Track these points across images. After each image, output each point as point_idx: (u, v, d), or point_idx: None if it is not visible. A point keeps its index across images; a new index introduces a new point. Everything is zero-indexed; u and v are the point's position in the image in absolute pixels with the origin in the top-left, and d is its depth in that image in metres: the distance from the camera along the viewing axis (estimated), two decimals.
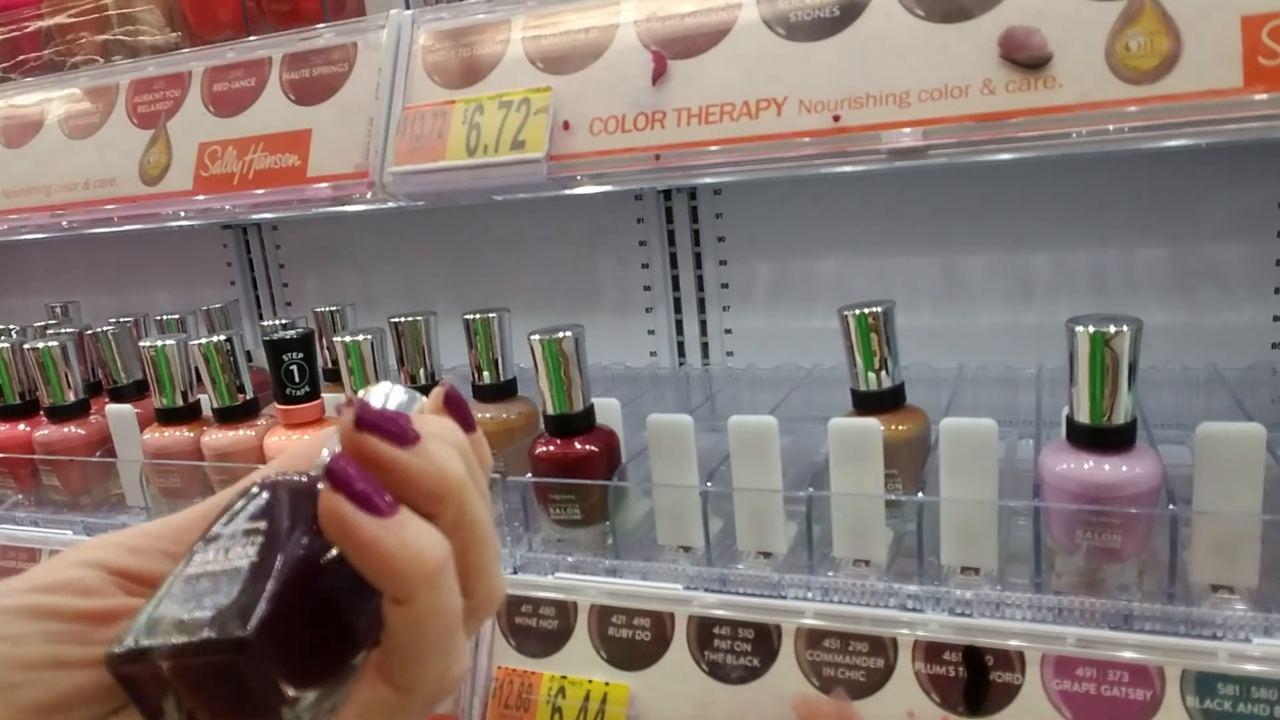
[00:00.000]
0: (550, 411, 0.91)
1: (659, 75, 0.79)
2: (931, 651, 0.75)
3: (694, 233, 1.27)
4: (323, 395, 1.04)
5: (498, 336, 1.00)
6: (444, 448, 0.34)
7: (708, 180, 0.80)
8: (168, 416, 1.09)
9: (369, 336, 1.00)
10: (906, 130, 0.68)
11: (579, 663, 0.86)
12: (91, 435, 1.17)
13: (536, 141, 0.81)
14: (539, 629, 0.89)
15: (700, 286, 1.29)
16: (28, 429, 1.20)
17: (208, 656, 0.29)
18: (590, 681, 0.85)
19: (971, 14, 0.69)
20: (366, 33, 0.96)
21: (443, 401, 0.38)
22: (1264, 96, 0.60)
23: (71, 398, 1.18)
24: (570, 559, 0.91)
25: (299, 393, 1.01)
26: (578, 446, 0.90)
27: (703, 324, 1.30)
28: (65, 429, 1.17)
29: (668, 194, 1.27)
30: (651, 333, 1.33)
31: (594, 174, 0.80)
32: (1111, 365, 0.70)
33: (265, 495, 0.34)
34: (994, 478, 0.76)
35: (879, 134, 0.69)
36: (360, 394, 0.37)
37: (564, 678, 0.86)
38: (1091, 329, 0.70)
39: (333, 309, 1.25)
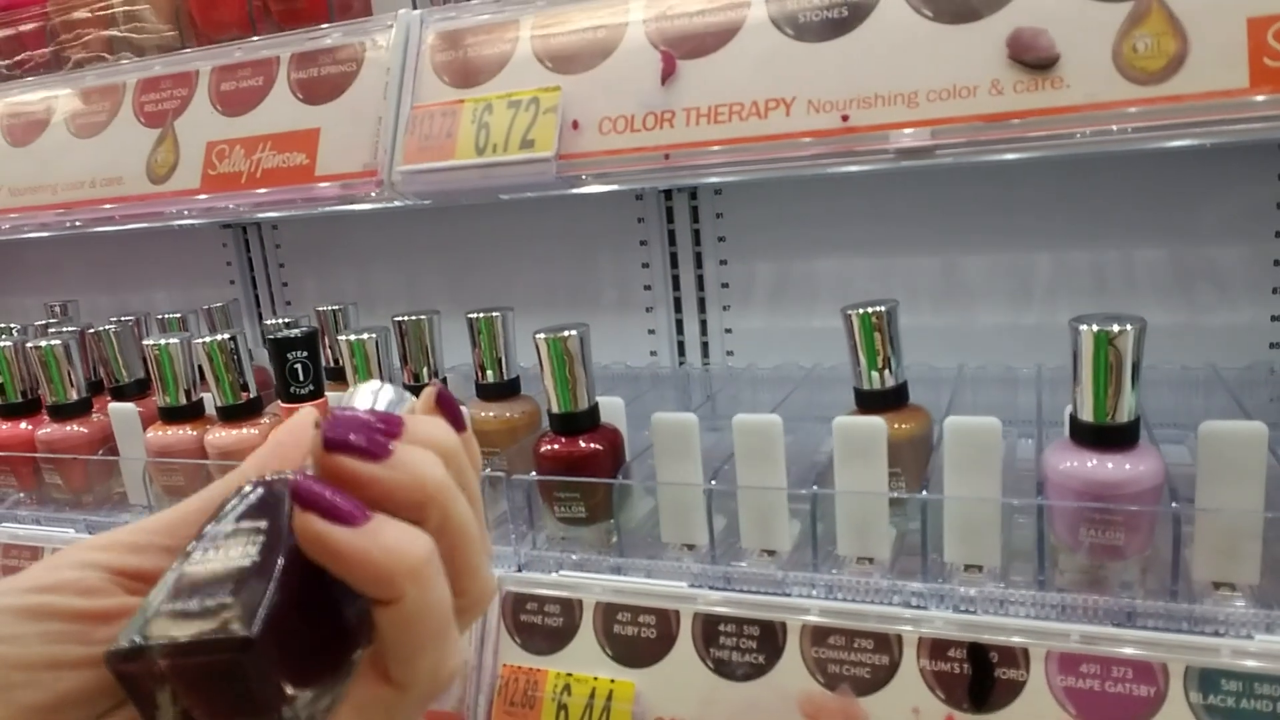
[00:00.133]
0: (555, 410, 0.91)
1: (668, 75, 0.79)
2: (936, 648, 0.75)
3: (694, 232, 1.28)
4: (326, 394, 1.04)
5: (501, 335, 1.00)
6: (420, 453, 0.34)
7: (714, 180, 0.80)
8: (171, 415, 1.09)
9: (374, 335, 1.00)
10: (915, 130, 0.69)
11: (584, 660, 0.87)
12: (94, 434, 1.17)
13: (546, 141, 0.81)
14: (544, 626, 0.89)
15: (700, 286, 1.30)
16: (30, 427, 1.20)
17: (210, 655, 0.29)
18: (595, 679, 0.85)
19: (980, 15, 0.70)
20: (375, 32, 0.96)
21: (434, 402, 0.38)
22: (1269, 97, 0.61)
23: (74, 396, 1.18)
24: (574, 557, 0.91)
25: (303, 391, 1.01)
26: (583, 445, 0.91)
27: (703, 323, 1.31)
28: (68, 427, 1.17)
29: (668, 194, 1.27)
30: (652, 332, 1.33)
31: (603, 173, 0.81)
32: (1115, 364, 0.70)
33: (261, 492, 0.34)
34: (998, 476, 0.77)
35: (887, 134, 0.70)
36: (349, 393, 0.38)
37: (569, 675, 0.86)
38: (1095, 328, 0.70)
39: (335, 308, 1.25)
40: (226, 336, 1.04)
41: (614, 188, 0.85)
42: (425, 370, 1.05)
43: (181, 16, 1.09)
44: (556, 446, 0.91)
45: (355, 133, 0.93)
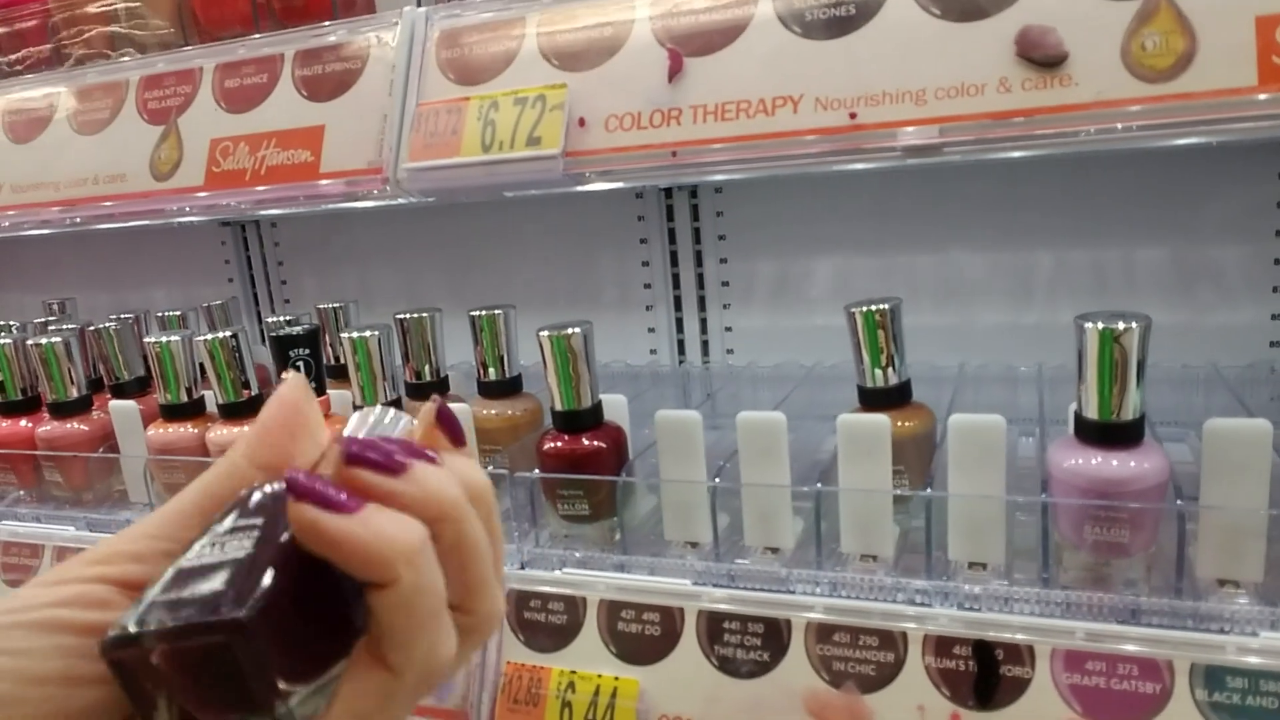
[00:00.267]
0: (558, 407, 0.91)
1: (675, 72, 0.79)
2: (941, 646, 0.75)
3: (695, 230, 1.28)
4: (328, 392, 1.04)
5: (503, 333, 1.00)
6: (436, 471, 0.35)
7: (720, 177, 0.80)
8: (172, 412, 1.09)
9: (376, 333, 1.00)
10: (923, 128, 0.69)
11: (588, 658, 0.87)
12: (94, 431, 1.17)
13: (552, 138, 0.81)
14: (548, 624, 0.89)
15: (701, 284, 1.30)
16: (30, 425, 1.20)
17: (202, 638, 0.30)
18: (600, 676, 0.85)
19: (987, 13, 0.70)
20: (380, 29, 0.96)
21: (434, 418, 0.39)
22: (1277, 96, 0.61)
23: (74, 394, 1.17)
24: (578, 554, 0.91)
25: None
26: (586, 442, 0.91)
27: (703, 322, 1.31)
28: (68, 425, 1.17)
29: (669, 192, 1.27)
30: (652, 330, 1.33)
31: (610, 171, 0.81)
32: (1120, 361, 0.70)
33: (258, 495, 0.34)
34: (1001, 474, 0.77)
35: (895, 131, 0.70)
36: (351, 421, 0.39)
37: (573, 672, 0.86)
38: (1101, 325, 0.70)
39: (335, 306, 1.25)
40: (228, 334, 1.03)
41: (619, 185, 0.85)
42: (427, 368, 1.05)
43: (184, 14, 1.09)
44: (560, 444, 0.91)
45: (360, 130, 0.93)
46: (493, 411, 1.01)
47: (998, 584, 0.77)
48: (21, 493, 1.23)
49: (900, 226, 1.17)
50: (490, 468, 0.93)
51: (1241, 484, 0.70)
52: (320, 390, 1.02)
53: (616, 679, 0.85)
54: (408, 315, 1.03)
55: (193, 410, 1.09)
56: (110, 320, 1.23)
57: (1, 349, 1.19)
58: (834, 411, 0.84)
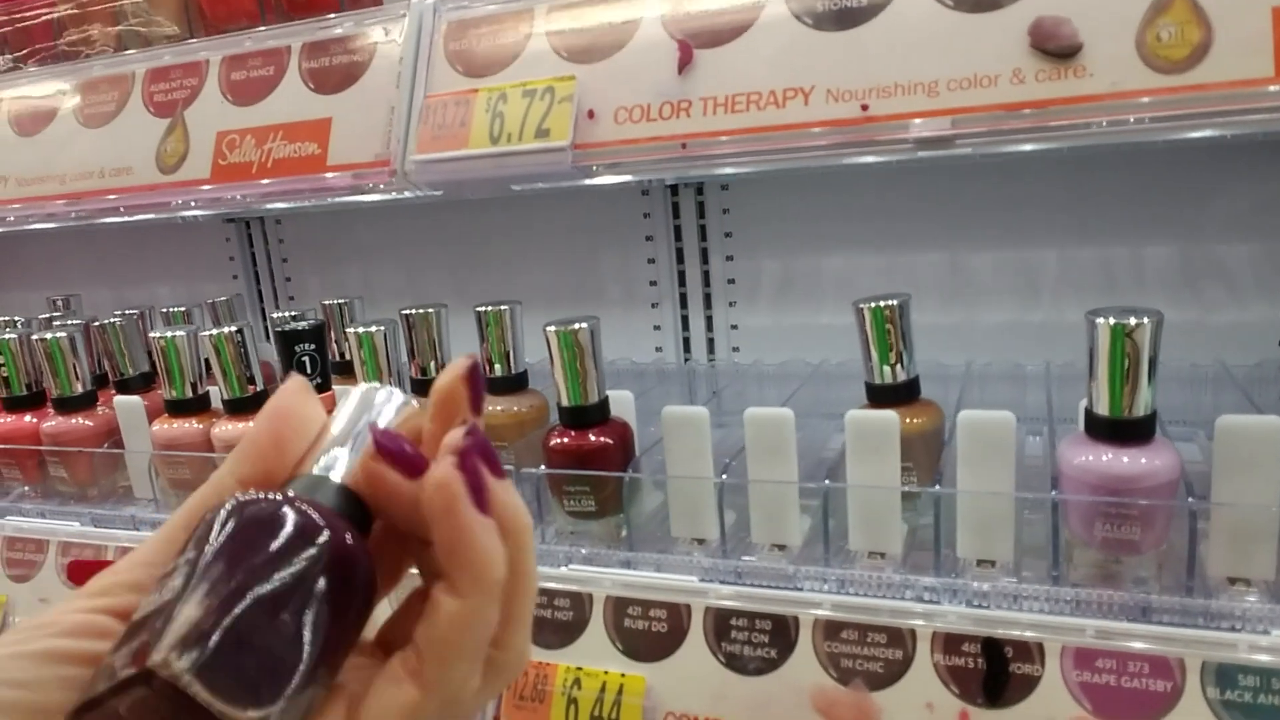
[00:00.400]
0: (565, 403, 0.91)
1: (685, 64, 0.79)
2: (950, 643, 0.75)
3: (700, 228, 1.27)
4: (334, 387, 1.04)
5: (510, 329, 1.00)
6: (513, 490, 0.36)
7: (730, 170, 0.80)
8: (177, 408, 1.09)
9: (382, 328, 1.00)
10: (935, 119, 0.68)
11: (594, 654, 0.86)
12: (99, 427, 1.17)
13: (561, 130, 0.81)
14: (554, 620, 0.89)
15: (706, 282, 1.29)
16: (35, 420, 1.19)
17: (138, 692, 0.29)
18: (606, 673, 0.85)
19: (1000, 3, 0.69)
20: (387, 21, 0.95)
21: (463, 373, 0.37)
22: None
23: (79, 389, 1.17)
24: (584, 551, 0.91)
25: (310, 384, 1.00)
26: (592, 438, 0.90)
27: (708, 319, 1.30)
28: (73, 420, 1.17)
29: (675, 189, 1.27)
30: (657, 328, 1.33)
31: (619, 163, 0.80)
32: (1132, 357, 0.70)
33: (224, 520, 0.33)
34: (1011, 470, 0.77)
35: (907, 123, 0.69)
36: (350, 398, 0.39)
37: (579, 669, 0.86)
38: (1112, 321, 0.70)
39: (341, 301, 1.25)
40: (234, 329, 1.03)
41: (627, 178, 0.85)
42: (433, 364, 1.05)
43: (190, 10, 1.08)
44: (566, 440, 0.91)
45: (367, 122, 0.92)
46: (498, 408, 1.01)
47: (1007, 581, 0.76)
48: (26, 488, 1.22)
49: (906, 224, 1.16)
50: None
51: (1253, 481, 0.70)
52: (325, 386, 1.02)
53: (623, 676, 0.84)
54: (413, 311, 1.03)
55: (197, 406, 1.09)
56: (115, 316, 1.23)
57: (6, 344, 1.19)
58: (840, 409, 0.84)
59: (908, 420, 0.85)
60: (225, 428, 1.05)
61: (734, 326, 1.29)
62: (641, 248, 1.30)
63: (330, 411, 0.39)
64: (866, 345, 0.87)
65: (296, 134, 0.96)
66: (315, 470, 0.36)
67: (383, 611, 0.38)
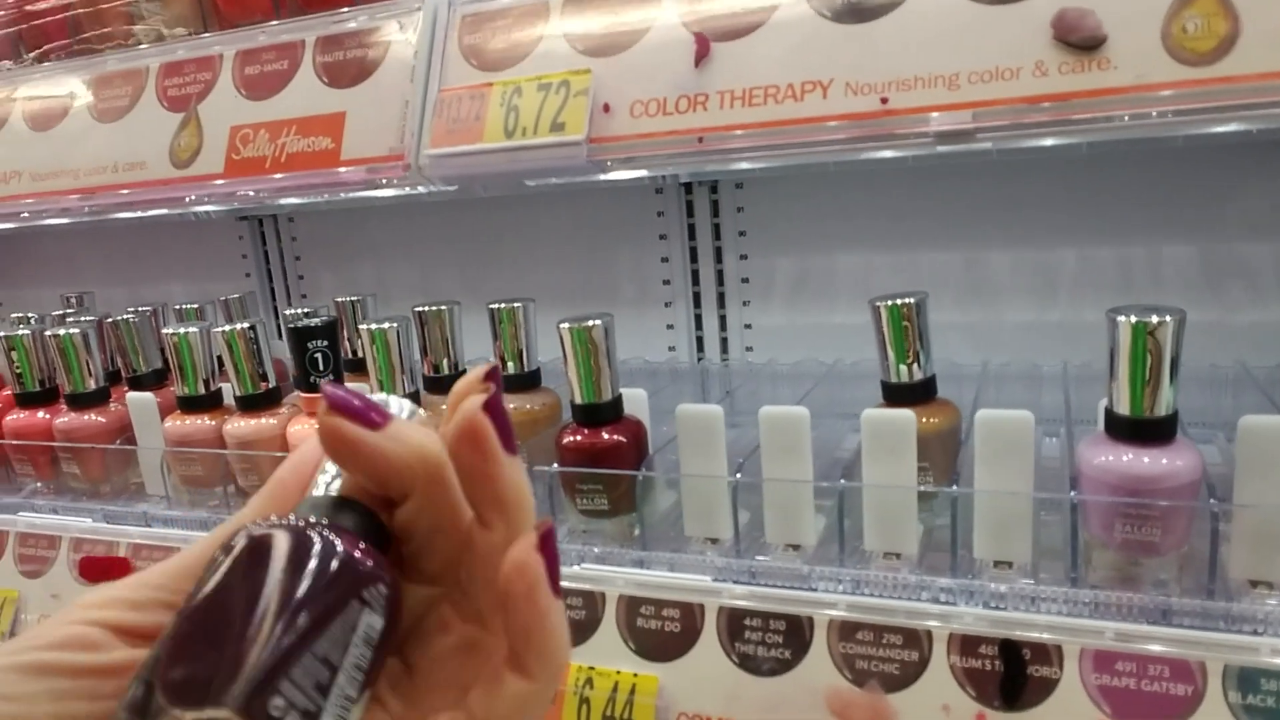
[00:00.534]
0: (578, 401, 0.90)
1: (701, 57, 0.78)
2: (967, 645, 0.74)
3: (714, 226, 1.27)
4: (347, 385, 1.04)
5: (523, 326, 1.00)
6: (417, 428, 0.34)
7: (747, 165, 0.79)
8: (189, 404, 1.09)
9: (394, 325, 0.99)
10: (955, 113, 0.67)
11: (607, 653, 0.85)
12: (111, 423, 1.17)
13: (576, 124, 0.80)
14: (566, 619, 0.88)
15: (720, 281, 1.29)
16: (48, 416, 1.20)
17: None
18: (618, 673, 0.84)
19: None
20: (402, 15, 0.95)
21: (481, 376, 0.35)
22: None
23: (92, 385, 1.17)
24: (596, 550, 0.90)
25: (323, 380, 1.00)
26: (606, 436, 0.90)
27: (722, 319, 1.30)
28: (85, 416, 1.17)
29: (689, 187, 1.26)
30: (670, 327, 1.32)
31: (635, 157, 0.80)
32: (1154, 356, 0.69)
33: (247, 546, 0.32)
34: (1029, 471, 0.76)
35: (928, 116, 0.68)
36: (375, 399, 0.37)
37: (591, 668, 0.85)
38: (1134, 319, 0.69)
39: (354, 299, 1.25)
40: (246, 326, 1.03)
41: (643, 173, 0.84)
42: (445, 361, 1.04)
43: (204, 7, 1.08)
44: (579, 438, 0.90)
45: (381, 117, 0.92)
46: (511, 406, 1.00)
47: (1024, 583, 0.75)
48: (39, 484, 1.23)
49: (921, 223, 1.15)
50: None
51: (1276, 483, 0.69)
52: (338, 383, 1.01)
53: (635, 675, 0.84)
54: (426, 308, 1.02)
55: (210, 402, 1.09)
56: (128, 313, 1.23)
57: (20, 340, 1.19)
58: (854, 409, 0.83)
59: (924, 420, 0.84)
60: (237, 424, 1.05)
61: (748, 326, 1.28)
62: (655, 246, 1.30)
63: None
64: (883, 344, 0.86)
65: (310, 128, 0.95)
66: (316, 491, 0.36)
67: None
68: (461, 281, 1.44)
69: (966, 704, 0.73)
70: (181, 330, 1.06)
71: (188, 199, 1.01)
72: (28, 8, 1.19)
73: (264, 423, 1.04)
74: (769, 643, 0.80)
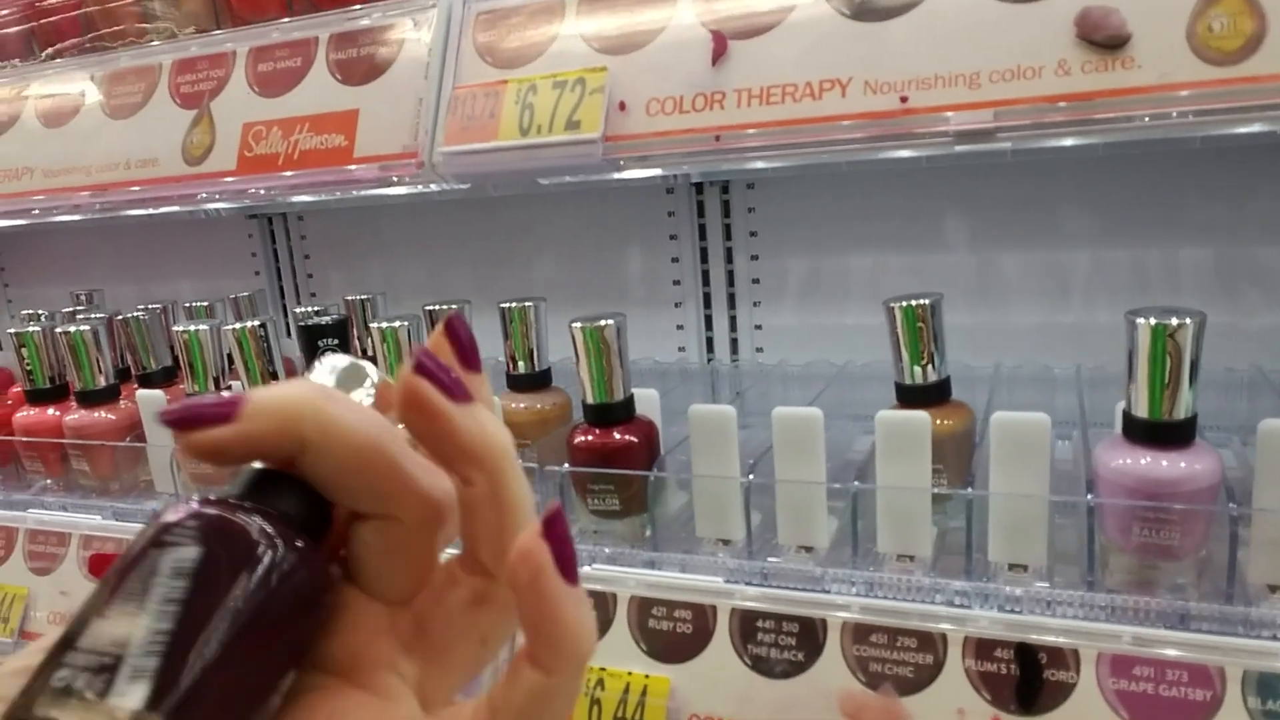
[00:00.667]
0: (590, 401, 0.90)
1: (719, 55, 0.78)
2: (982, 648, 0.73)
3: (725, 227, 1.26)
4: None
5: (534, 326, 0.99)
6: (493, 417, 0.33)
7: (763, 164, 0.78)
8: None
9: (405, 323, 0.99)
10: (975, 112, 0.67)
11: (618, 654, 0.85)
12: (121, 420, 1.17)
13: (592, 122, 0.79)
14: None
15: (731, 281, 1.28)
16: (58, 414, 1.19)
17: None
18: (630, 674, 0.84)
19: None
20: (415, 12, 0.95)
21: (443, 331, 0.34)
22: None
23: (102, 382, 1.17)
24: (608, 550, 0.90)
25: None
26: (617, 436, 0.89)
27: (732, 319, 1.29)
28: (96, 414, 1.17)
29: (699, 187, 1.26)
30: (680, 327, 1.32)
31: (652, 155, 0.79)
32: (1173, 358, 0.68)
33: (187, 537, 0.29)
34: (1045, 473, 0.75)
35: (948, 115, 0.68)
36: (313, 372, 0.35)
37: (603, 669, 0.84)
38: (1153, 321, 0.68)
39: (364, 297, 1.24)
40: (256, 324, 1.03)
41: (658, 172, 0.83)
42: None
43: (217, 5, 1.08)
44: (591, 438, 0.90)
45: (395, 114, 0.92)
46: (521, 405, 1.00)
47: (1040, 586, 0.75)
48: (49, 481, 1.23)
49: (935, 224, 1.15)
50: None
51: None
52: None
53: (647, 677, 0.83)
54: (437, 306, 1.02)
55: None
56: (138, 310, 1.23)
57: (30, 337, 1.19)
58: (865, 411, 0.83)
59: (939, 421, 0.83)
60: None
61: (758, 326, 1.28)
62: (665, 246, 1.29)
63: None
64: (897, 345, 0.86)
65: (323, 125, 0.95)
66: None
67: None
68: (471, 281, 1.44)
69: (982, 708, 0.73)
70: (192, 328, 1.06)
71: (199, 196, 1.01)
72: (40, 4, 1.19)
73: None
74: (782, 645, 0.80)
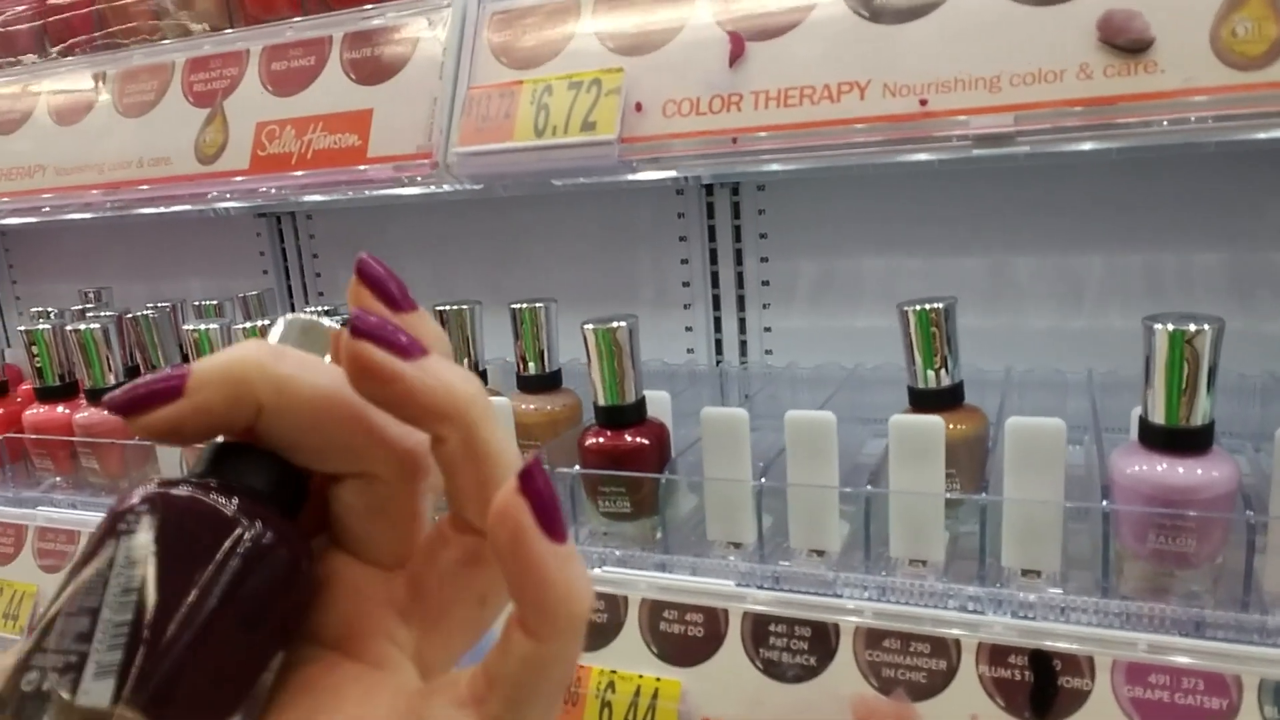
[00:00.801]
0: (601, 402, 0.89)
1: (736, 57, 0.77)
2: (996, 654, 0.73)
3: (735, 228, 1.26)
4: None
5: (545, 326, 0.99)
6: (452, 365, 0.30)
7: (780, 166, 0.78)
8: None
9: None
10: (995, 116, 0.66)
11: (629, 658, 0.85)
12: None
13: (608, 123, 0.79)
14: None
15: (740, 284, 1.28)
16: (67, 411, 1.19)
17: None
18: (640, 677, 0.83)
19: None
20: (430, 12, 0.94)
21: (356, 276, 0.31)
22: None
23: (112, 380, 1.17)
24: (618, 553, 0.89)
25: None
26: (629, 439, 0.89)
27: (741, 322, 1.29)
28: (105, 411, 1.16)
29: (709, 188, 1.25)
30: (689, 329, 1.31)
31: (667, 157, 0.79)
32: (1191, 365, 0.68)
33: (140, 522, 0.28)
34: (1060, 479, 0.75)
35: (968, 119, 0.68)
36: (275, 330, 0.33)
37: (613, 672, 0.84)
38: (1171, 327, 0.68)
39: None
40: (265, 323, 1.03)
41: (673, 173, 0.83)
42: (466, 361, 1.04)
43: (231, 5, 1.08)
44: (602, 440, 0.89)
45: (409, 114, 0.91)
46: (531, 406, 1.00)
47: (1054, 592, 0.74)
48: (58, 479, 1.23)
49: (944, 227, 1.14)
50: None
51: None
52: None
53: (658, 680, 0.83)
54: (448, 307, 1.02)
55: None
56: (148, 308, 1.23)
57: (40, 334, 1.19)
58: (876, 414, 0.82)
59: (952, 426, 0.83)
60: None
61: (767, 329, 1.27)
62: (675, 248, 1.29)
63: None
64: (910, 349, 0.85)
65: (337, 125, 0.95)
66: None
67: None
68: (480, 281, 1.44)
69: (996, 714, 0.72)
70: (201, 326, 1.06)
71: (211, 195, 1.00)
72: (52, 1, 1.19)
73: None
74: (794, 649, 0.80)
